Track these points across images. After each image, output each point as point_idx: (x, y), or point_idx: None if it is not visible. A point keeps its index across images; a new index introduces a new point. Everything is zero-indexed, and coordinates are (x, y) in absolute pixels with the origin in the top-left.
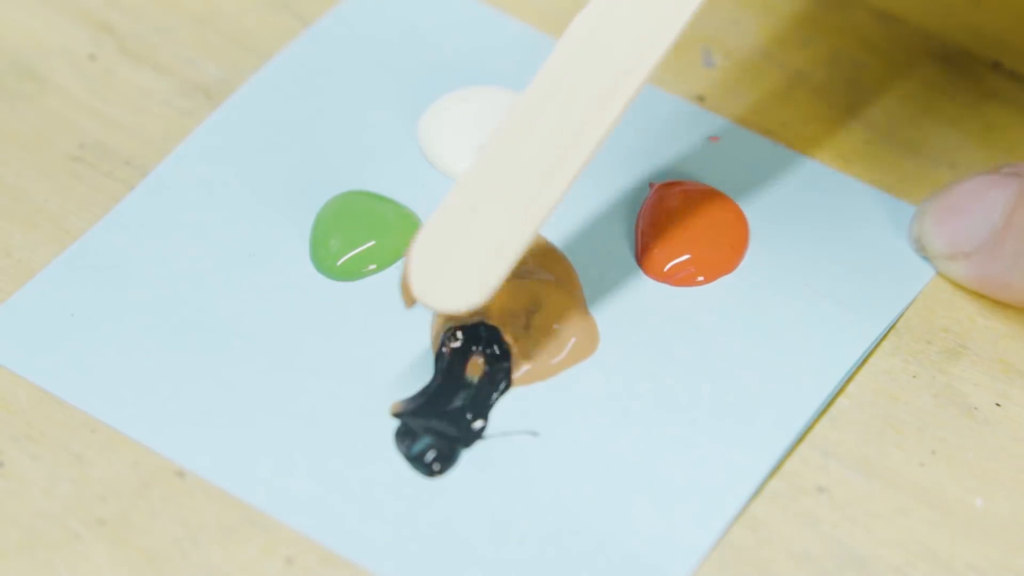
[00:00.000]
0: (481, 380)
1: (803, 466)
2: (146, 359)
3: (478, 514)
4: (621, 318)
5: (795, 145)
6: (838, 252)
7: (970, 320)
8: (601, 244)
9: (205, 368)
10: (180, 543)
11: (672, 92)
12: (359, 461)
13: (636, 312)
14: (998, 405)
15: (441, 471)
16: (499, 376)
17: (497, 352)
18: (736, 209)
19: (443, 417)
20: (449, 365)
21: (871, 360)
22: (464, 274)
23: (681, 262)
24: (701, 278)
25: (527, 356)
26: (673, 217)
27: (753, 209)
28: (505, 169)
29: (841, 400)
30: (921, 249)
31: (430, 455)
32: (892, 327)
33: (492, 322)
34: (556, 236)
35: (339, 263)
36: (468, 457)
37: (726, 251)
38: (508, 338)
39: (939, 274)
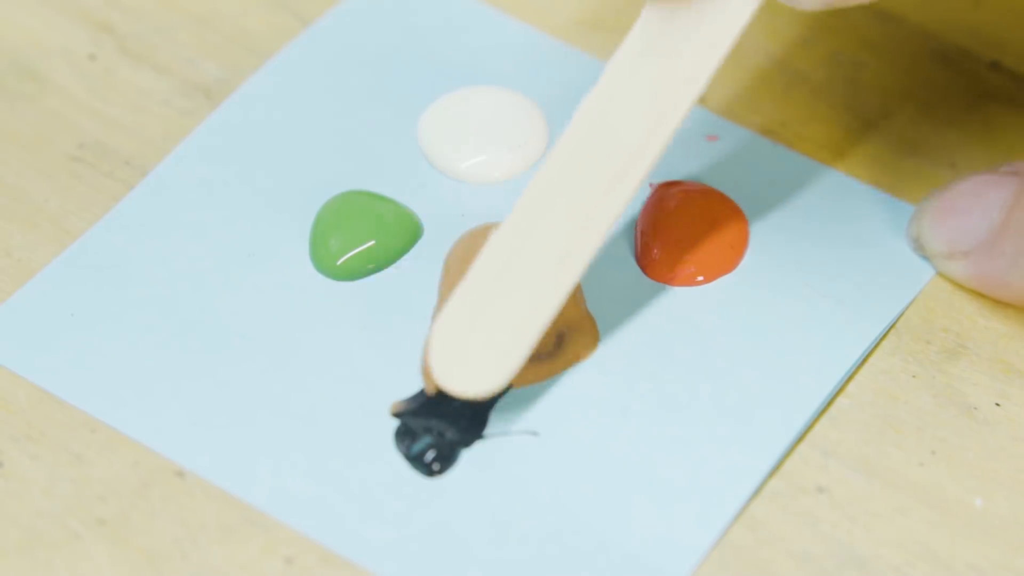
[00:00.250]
0: None
1: (803, 466)
2: (146, 359)
3: (478, 514)
4: (621, 318)
5: (795, 145)
6: (838, 252)
7: (970, 320)
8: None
9: (205, 368)
10: (180, 543)
11: None
12: (359, 461)
13: (636, 312)
14: (998, 405)
15: (441, 471)
16: None
17: None
18: (736, 209)
19: (443, 417)
20: None
21: (871, 360)
22: (486, 357)
23: (681, 262)
24: (701, 278)
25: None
26: (673, 217)
27: (753, 209)
28: (521, 253)
29: (841, 400)
30: (920, 248)
31: (430, 455)
32: (892, 327)
33: None
34: None
35: (339, 263)
36: (468, 457)
37: (726, 251)
38: None
39: (939, 274)
